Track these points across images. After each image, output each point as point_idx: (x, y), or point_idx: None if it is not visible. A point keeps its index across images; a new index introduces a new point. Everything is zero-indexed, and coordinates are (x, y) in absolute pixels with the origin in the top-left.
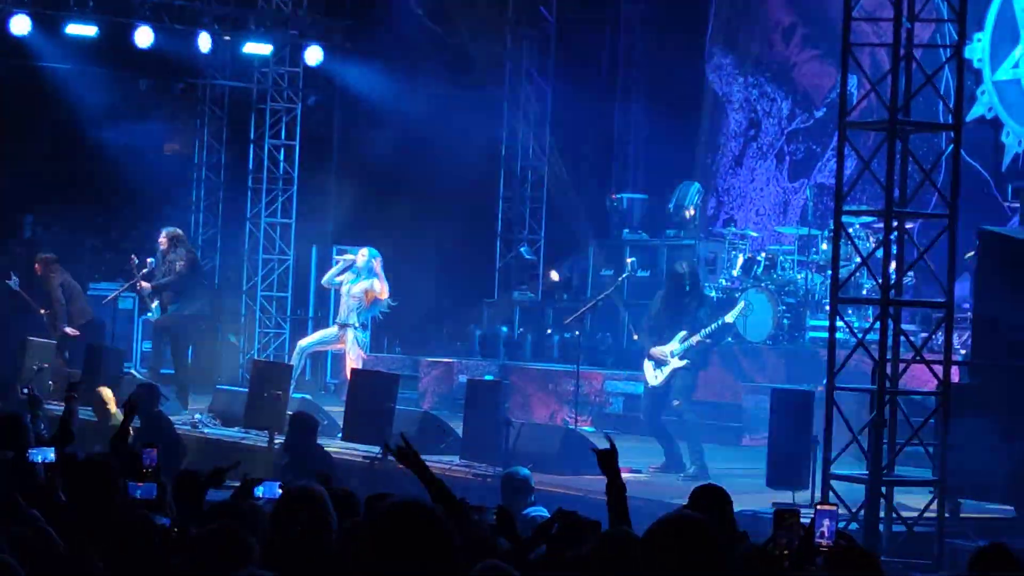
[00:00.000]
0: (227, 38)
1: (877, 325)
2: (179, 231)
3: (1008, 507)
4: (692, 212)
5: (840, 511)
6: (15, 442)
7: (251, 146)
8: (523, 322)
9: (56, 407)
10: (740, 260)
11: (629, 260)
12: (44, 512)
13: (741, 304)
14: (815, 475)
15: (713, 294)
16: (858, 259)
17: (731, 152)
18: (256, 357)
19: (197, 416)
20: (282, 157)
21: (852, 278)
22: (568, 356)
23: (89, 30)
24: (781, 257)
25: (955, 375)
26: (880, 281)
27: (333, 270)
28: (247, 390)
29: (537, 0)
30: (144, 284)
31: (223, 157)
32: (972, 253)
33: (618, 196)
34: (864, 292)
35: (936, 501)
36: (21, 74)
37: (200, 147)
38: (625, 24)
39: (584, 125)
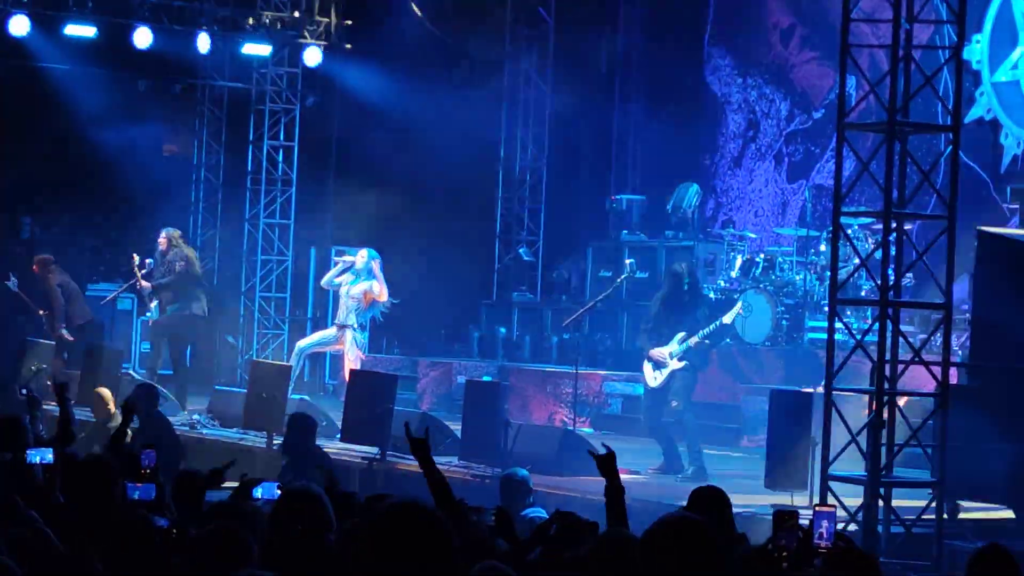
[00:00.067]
0: (226, 39)
1: (876, 326)
2: (178, 231)
3: (1007, 508)
4: (686, 213)
5: (839, 512)
6: (14, 443)
7: (250, 147)
8: (522, 323)
9: (56, 408)
10: (739, 261)
11: (628, 261)
12: (43, 513)
13: (739, 305)
14: (814, 476)
15: (712, 295)
16: (857, 260)
17: (730, 153)
18: (255, 358)
19: (196, 417)
20: (281, 158)
21: (851, 279)
22: (567, 357)
23: (88, 31)
24: (780, 258)
25: (954, 376)
26: (879, 282)
27: (332, 271)
28: (246, 391)
29: (536, 1)
30: (144, 284)
31: (222, 158)
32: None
33: (617, 197)
34: (863, 293)
35: (935, 502)
36: (20, 74)
37: (199, 148)
38: (624, 25)
39: (583, 126)
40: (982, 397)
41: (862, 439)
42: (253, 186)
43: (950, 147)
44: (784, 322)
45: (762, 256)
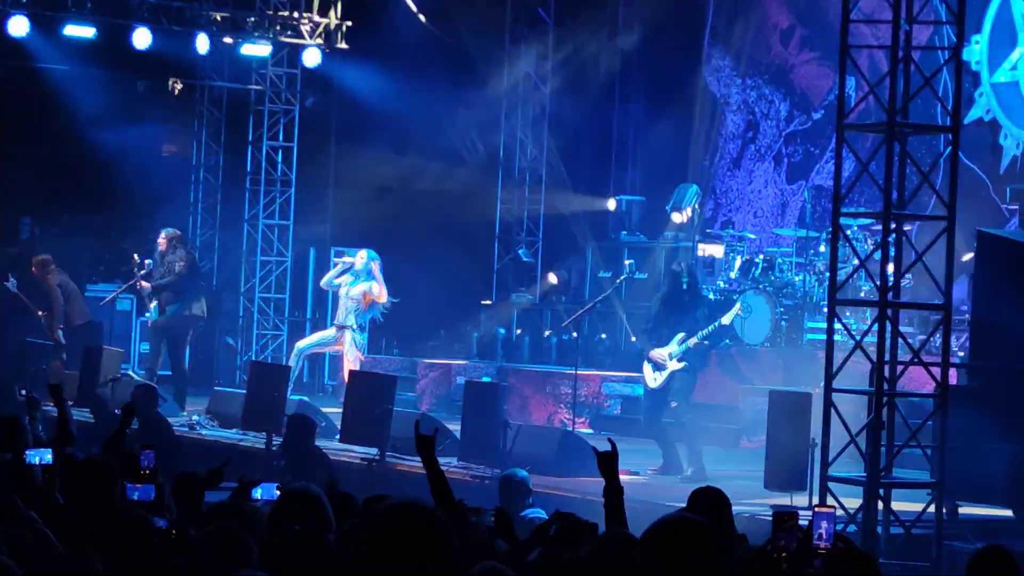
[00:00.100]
0: (225, 40)
1: (875, 327)
2: (178, 232)
3: (1006, 509)
4: (685, 216)
5: (838, 513)
6: (13, 444)
7: (249, 148)
8: (521, 324)
9: (55, 409)
10: (738, 262)
11: (627, 262)
12: (42, 514)
13: (737, 306)
14: (813, 477)
15: (712, 296)
16: (856, 261)
17: (729, 154)
18: (254, 359)
19: (195, 417)
20: (280, 159)
21: (850, 280)
22: (566, 358)
23: (87, 31)
24: (779, 259)
25: (953, 377)
26: (878, 283)
27: (332, 272)
28: (245, 392)
29: (536, 2)
30: (143, 284)
31: (221, 158)
32: (970, 255)
33: (617, 198)
34: (862, 294)
35: (934, 503)
36: (19, 75)
37: (198, 148)
38: (624, 26)
39: (582, 127)
40: (981, 398)
41: (861, 440)
42: (252, 187)
43: (949, 148)
44: (783, 323)
45: (761, 257)
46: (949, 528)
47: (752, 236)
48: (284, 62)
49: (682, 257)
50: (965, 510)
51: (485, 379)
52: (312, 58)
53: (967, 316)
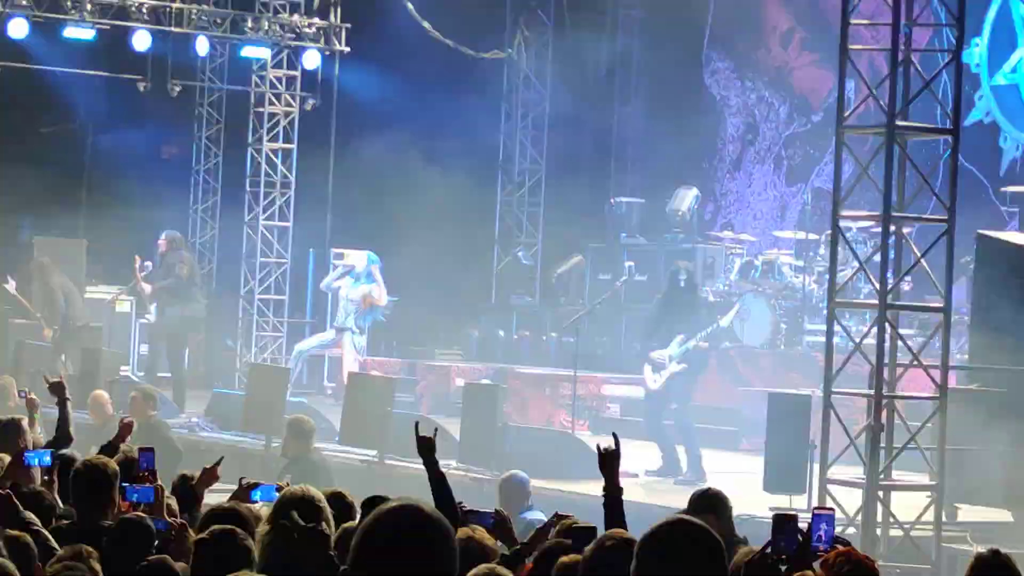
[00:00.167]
0: (224, 42)
1: (875, 329)
2: (178, 234)
3: (1005, 511)
4: (686, 213)
5: (838, 515)
6: (12, 445)
7: (248, 149)
8: (520, 326)
9: (54, 410)
10: (737, 264)
11: (627, 264)
12: (41, 515)
13: (736, 307)
14: (812, 479)
15: (711, 298)
16: (856, 263)
17: (729, 156)
18: (253, 360)
19: (194, 419)
20: (280, 160)
21: (850, 282)
22: (565, 360)
23: (87, 33)
24: (779, 261)
25: (953, 379)
26: (878, 285)
27: (332, 274)
28: (244, 393)
29: (536, 4)
30: (143, 286)
31: (221, 160)
32: (969, 258)
33: (616, 200)
34: (861, 296)
35: (933, 505)
36: (19, 77)
37: (198, 150)
38: (623, 28)
39: (582, 129)
40: (981, 400)
41: (861, 442)
42: (252, 188)
43: (949, 150)
44: (783, 325)
45: (761, 259)
46: (948, 531)
47: (752, 238)
48: (284, 64)
49: (681, 258)
50: (964, 512)
51: (484, 381)
52: (312, 60)
53: (967, 318)
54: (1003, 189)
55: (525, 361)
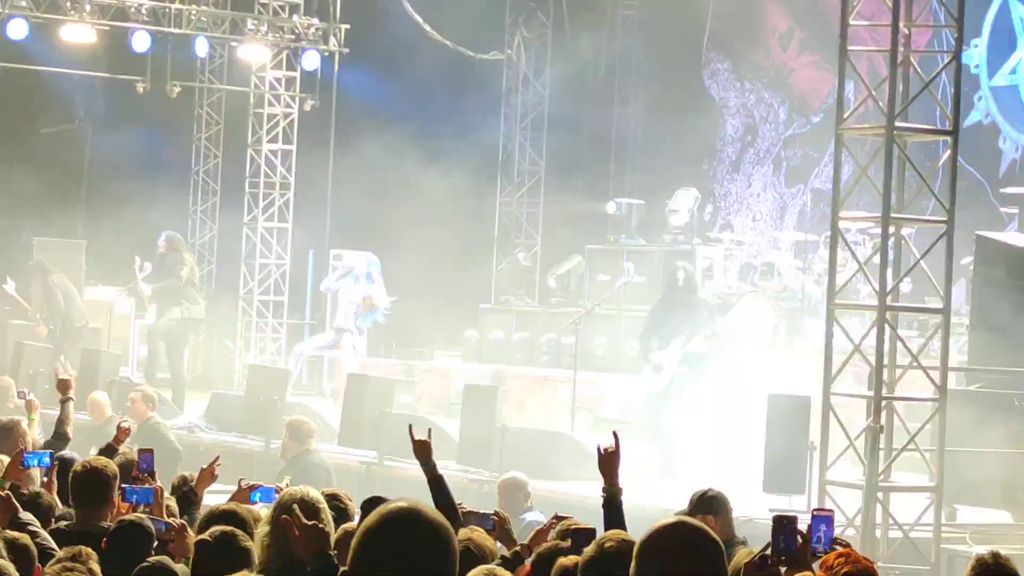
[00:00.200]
0: (224, 43)
1: (874, 331)
2: (178, 235)
3: (1004, 512)
4: (685, 214)
5: (837, 517)
6: (12, 447)
7: (248, 150)
8: (520, 327)
9: (53, 411)
10: (737, 266)
11: (627, 265)
12: (40, 517)
13: (735, 310)
14: (812, 480)
15: (711, 299)
16: (855, 265)
17: (728, 157)
18: (253, 362)
19: (193, 421)
20: (279, 161)
21: (849, 283)
22: (565, 361)
23: (86, 34)
24: (778, 262)
25: (952, 381)
26: (877, 287)
27: (332, 275)
28: (244, 395)
29: (535, 4)
30: (143, 287)
31: (220, 161)
32: (969, 259)
33: (616, 201)
34: (861, 297)
35: (933, 506)
36: (18, 78)
37: (197, 151)
38: (623, 29)
39: (581, 130)
40: (980, 401)
41: (860, 443)
42: (251, 189)
43: (948, 151)
44: (782, 326)
45: (760, 260)
46: (947, 532)
47: (751, 239)
48: (283, 65)
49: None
50: (964, 514)
51: (484, 382)
52: (311, 61)
53: (966, 320)
54: (1002, 190)
55: (524, 362)
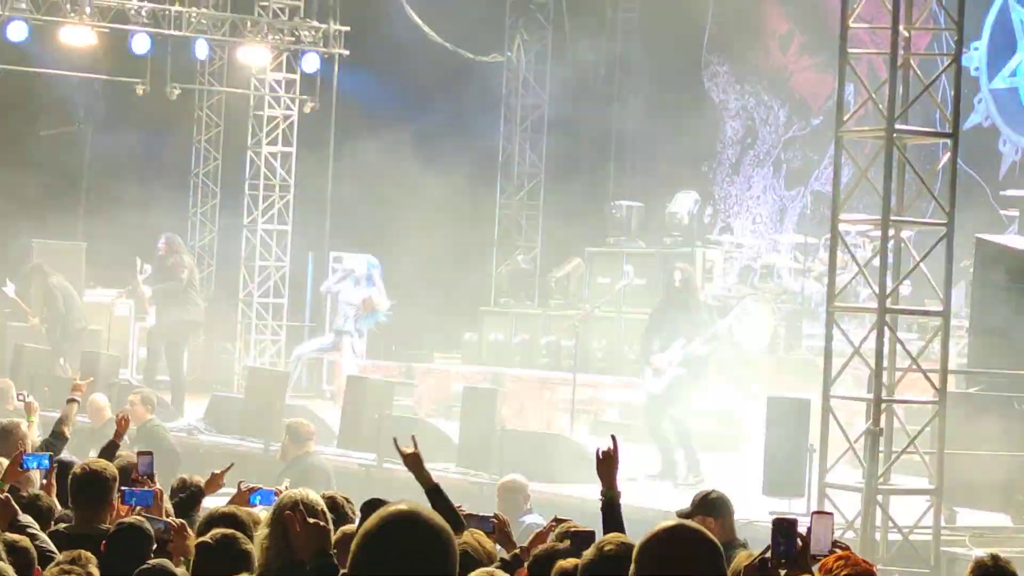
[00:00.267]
0: (224, 45)
1: (874, 333)
2: (177, 237)
3: (1004, 515)
4: (684, 216)
5: (836, 519)
6: (11, 449)
7: (248, 152)
8: (519, 329)
9: (53, 414)
10: (737, 268)
11: (626, 268)
12: (39, 519)
13: (735, 312)
14: (811, 483)
15: (710, 302)
16: (855, 267)
17: (728, 160)
18: (252, 364)
19: (193, 423)
20: (279, 163)
21: (849, 286)
22: (564, 363)
23: (86, 36)
24: (778, 265)
25: (952, 383)
26: (877, 289)
27: (332, 277)
28: (243, 397)
29: (534, 7)
30: (143, 289)
31: (220, 163)
32: (969, 261)
33: (615, 204)
34: (861, 300)
35: (932, 509)
36: (18, 80)
37: (197, 153)
38: (622, 31)
39: (581, 132)
40: (979, 404)
41: (859, 446)
42: (251, 192)
43: (948, 154)
44: (782, 329)
45: (760, 263)
46: (947, 534)
47: (751, 242)
48: (283, 67)
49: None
50: (963, 516)
51: (483, 385)
52: (311, 63)
53: (966, 322)
54: (1002, 192)
55: (524, 365)
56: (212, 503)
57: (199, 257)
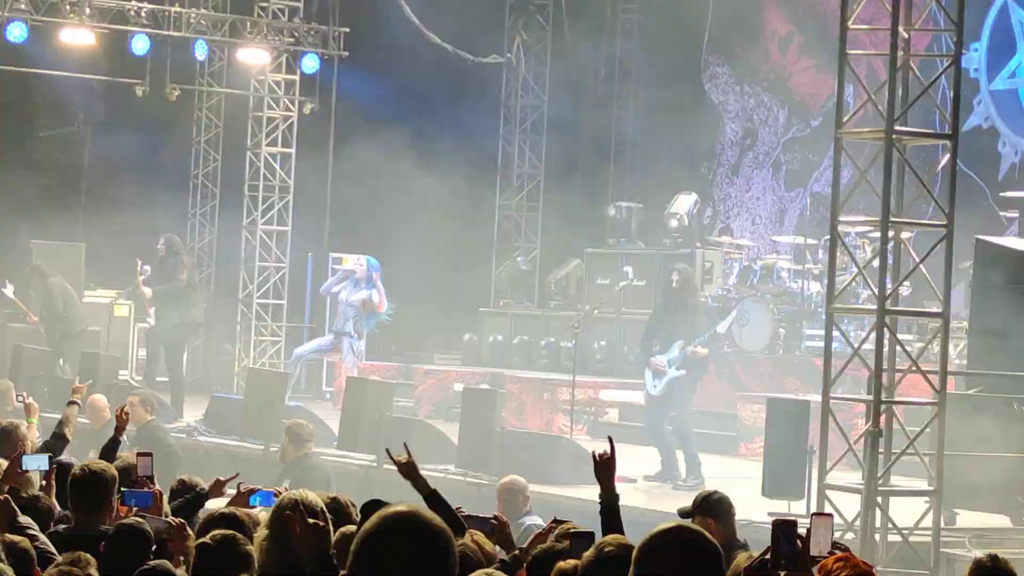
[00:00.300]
0: (223, 46)
1: (873, 335)
2: (177, 238)
3: (1003, 516)
4: (684, 217)
5: (836, 521)
6: (11, 450)
7: (247, 154)
8: (519, 330)
9: (52, 415)
10: (736, 269)
11: (625, 269)
12: (39, 520)
13: (734, 313)
14: (811, 484)
15: (710, 303)
16: (855, 268)
17: (727, 161)
18: (252, 365)
19: (192, 424)
20: (278, 164)
21: (848, 287)
22: (564, 365)
23: (86, 37)
24: (777, 266)
25: (951, 385)
26: (876, 291)
27: (333, 278)
28: (243, 398)
29: (534, 8)
30: (142, 290)
31: (219, 164)
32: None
33: (615, 205)
34: (860, 301)
35: (932, 511)
36: (17, 81)
37: (196, 154)
38: (622, 32)
39: (580, 133)
40: (979, 405)
41: (859, 447)
42: (250, 193)
43: (948, 155)
44: (781, 330)
45: (760, 264)
46: (947, 536)
47: (750, 243)
48: (282, 68)
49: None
50: (963, 518)
51: (483, 386)
52: (310, 64)
53: (965, 324)
54: (1002, 194)
55: (523, 366)
56: (212, 504)
57: (199, 258)
